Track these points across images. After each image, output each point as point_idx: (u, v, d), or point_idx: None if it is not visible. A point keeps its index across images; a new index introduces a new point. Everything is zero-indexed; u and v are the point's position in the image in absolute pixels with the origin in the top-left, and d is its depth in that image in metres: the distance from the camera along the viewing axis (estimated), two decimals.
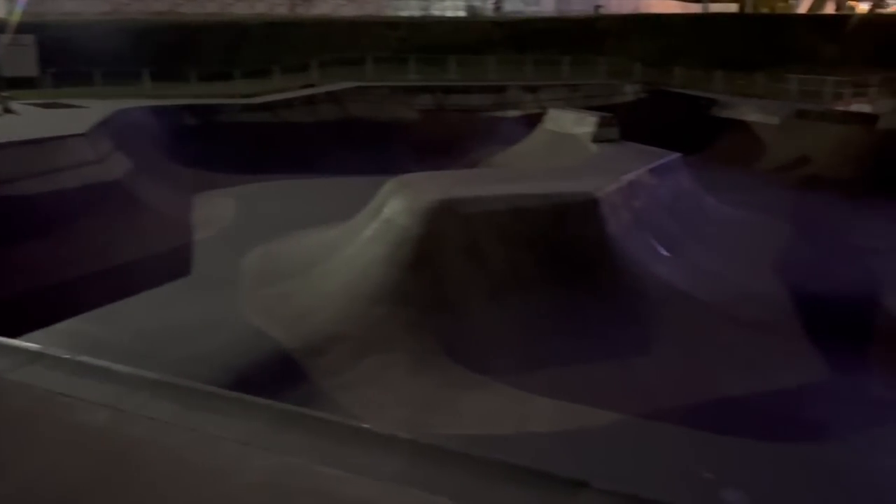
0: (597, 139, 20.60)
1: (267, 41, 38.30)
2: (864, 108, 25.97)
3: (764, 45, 41.14)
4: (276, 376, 9.86)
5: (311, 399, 9.22)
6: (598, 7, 55.12)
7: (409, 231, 12.54)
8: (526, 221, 13.16)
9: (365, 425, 2.54)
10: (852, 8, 63.46)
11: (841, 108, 26.61)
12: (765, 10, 69.24)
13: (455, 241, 12.51)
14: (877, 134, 23.66)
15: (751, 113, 27.17)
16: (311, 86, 29.58)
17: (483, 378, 10.26)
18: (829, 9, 64.44)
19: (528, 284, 12.27)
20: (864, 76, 30.88)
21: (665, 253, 14.74)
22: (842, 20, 51.38)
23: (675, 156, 18.19)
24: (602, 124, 21.12)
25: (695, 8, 62.34)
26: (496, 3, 57.41)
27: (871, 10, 62.69)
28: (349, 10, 49.80)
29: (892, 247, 15.06)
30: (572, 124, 22.82)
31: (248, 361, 10.21)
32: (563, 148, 21.74)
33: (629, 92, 31.46)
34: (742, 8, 64.64)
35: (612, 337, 11.30)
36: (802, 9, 66.17)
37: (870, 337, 11.67)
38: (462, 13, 55.13)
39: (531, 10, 54.91)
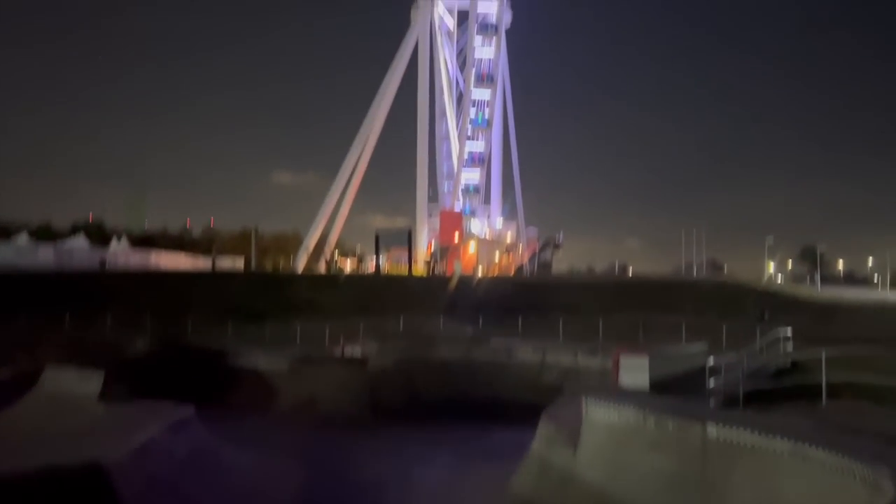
0: (104, 398, 18.98)
1: None
2: (357, 350, 29.84)
3: (270, 297, 45.10)
4: None
5: None
6: (103, 261, 53.68)
7: None
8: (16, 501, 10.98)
9: None
10: (341, 269, 74.75)
11: (338, 352, 30.12)
12: (269, 267, 77.09)
13: None
14: (368, 373, 27.32)
15: (262, 361, 28.70)
16: None
17: None
18: (322, 267, 74.92)
19: None
20: (354, 323, 35.93)
21: None
22: (332, 277, 60.30)
23: (189, 410, 17.77)
24: (109, 381, 19.66)
25: (204, 263, 65.73)
26: None
27: (354, 268, 74.95)
28: None
29: (390, 478, 16.85)
30: (75, 383, 20.68)
31: None
32: (64, 410, 19.35)
33: (140, 346, 30.42)
34: (248, 265, 70.66)
35: None
36: (300, 266, 75.56)
37: None
38: None
39: (25, 262, 50.40)
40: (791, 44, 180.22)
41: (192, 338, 33.17)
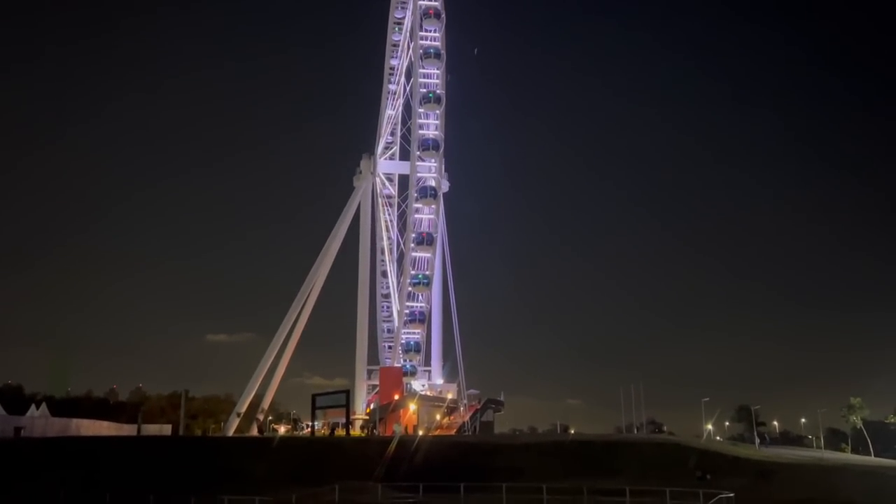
0: None
1: None
2: None
3: (198, 465, 42.50)
4: None
5: None
6: (19, 429, 50.34)
7: None
8: None
9: None
10: (275, 430, 71.76)
11: None
12: (198, 432, 73.32)
13: None
14: None
15: None
16: None
17: None
18: (254, 431, 71.70)
19: None
20: (286, 493, 33.98)
21: None
22: (265, 441, 57.54)
23: None
24: None
25: (129, 429, 62.15)
26: None
27: (288, 432, 71.95)
28: None
29: None
30: None
31: None
32: None
33: None
34: (177, 430, 67.07)
35: None
36: (230, 431, 72.13)
37: None
38: None
39: None
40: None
41: None
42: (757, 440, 61.38)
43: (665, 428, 76.70)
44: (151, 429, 64.78)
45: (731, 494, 24.08)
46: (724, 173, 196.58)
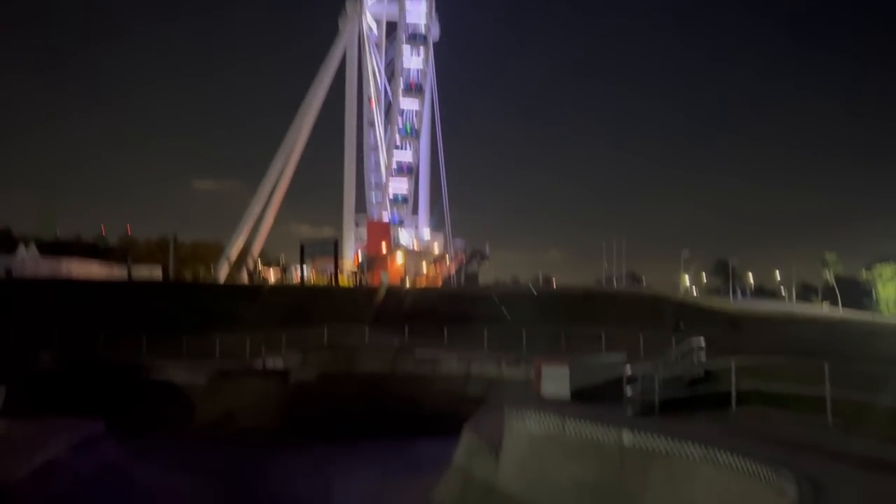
0: (5, 414, 17.88)
1: None
2: (278, 362, 29.16)
3: (188, 308, 43.54)
4: None
5: None
6: (9, 270, 50.84)
7: None
8: None
9: None
10: (264, 277, 73.19)
11: (259, 364, 29.35)
12: (188, 277, 74.54)
13: None
14: (290, 386, 26.75)
15: (179, 374, 27.74)
16: None
17: None
18: (244, 277, 73.08)
19: None
20: (276, 334, 35.10)
21: None
22: (255, 287, 58.85)
23: (98, 427, 16.98)
24: (12, 396, 18.54)
25: (120, 272, 63.04)
26: None
27: (278, 279, 73.44)
28: None
29: (310, 494, 16.53)
30: None
31: None
32: None
33: (47, 360, 28.88)
34: (167, 274, 68.16)
35: None
36: (221, 276, 73.46)
37: None
38: None
39: None
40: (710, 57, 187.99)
41: (104, 351, 31.68)
42: (731, 294, 63.48)
43: (644, 281, 78.97)
44: (142, 272, 65.67)
45: (703, 344, 25.08)
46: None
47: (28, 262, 57.79)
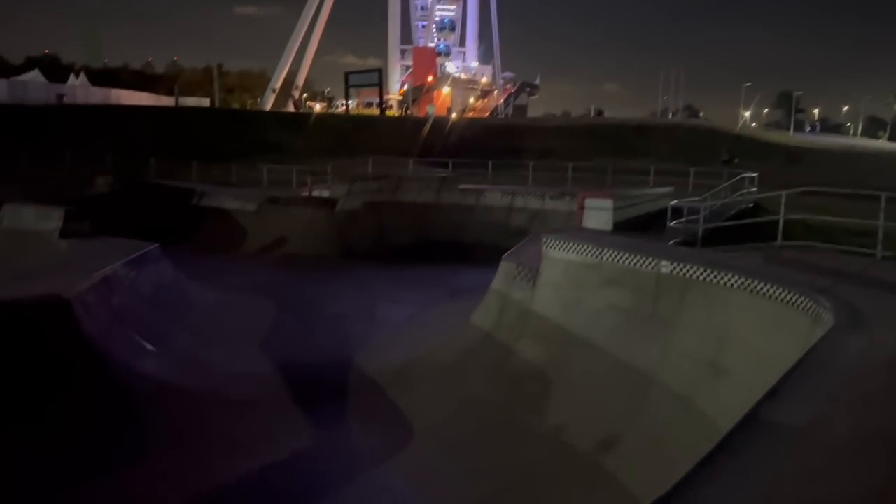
0: (64, 235, 18.74)
1: None
2: (324, 192, 29.58)
3: (236, 137, 43.97)
4: None
5: None
6: (61, 96, 51.41)
7: None
8: None
9: None
10: (310, 107, 72.83)
11: (306, 193, 29.84)
12: (235, 106, 74.57)
13: None
14: (337, 214, 27.26)
15: (229, 201, 28.39)
16: None
17: None
18: (290, 107, 72.79)
19: None
20: (322, 165, 35.41)
21: (151, 347, 14.06)
22: (302, 117, 58.64)
23: (153, 247, 17.67)
24: (70, 219, 19.32)
25: (167, 101, 63.33)
26: None
27: (323, 110, 73.00)
28: None
29: (356, 312, 17.25)
30: (35, 220, 20.33)
31: None
32: (25, 246, 19.15)
33: (101, 184, 29.78)
34: (213, 103, 68.27)
35: (103, 445, 10.13)
36: (267, 106, 73.26)
37: (346, 393, 13.02)
38: None
39: None
40: None
41: (155, 177, 32.54)
42: (791, 127, 60.75)
43: (701, 114, 75.87)
44: (189, 101, 65.86)
45: (755, 175, 24.33)
46: None
47: (79, 89, 58.29)
